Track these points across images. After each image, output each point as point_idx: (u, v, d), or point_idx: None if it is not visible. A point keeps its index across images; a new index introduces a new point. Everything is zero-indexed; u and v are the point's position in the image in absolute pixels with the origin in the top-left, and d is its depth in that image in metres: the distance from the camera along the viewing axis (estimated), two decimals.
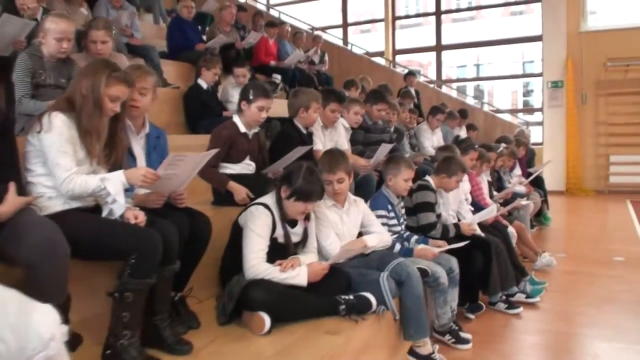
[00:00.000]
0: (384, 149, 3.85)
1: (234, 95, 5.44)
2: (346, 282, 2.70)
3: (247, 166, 3.33)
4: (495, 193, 5.26)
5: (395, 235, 3.37)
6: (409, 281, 2.82)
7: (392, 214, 3.38)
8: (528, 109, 19.01)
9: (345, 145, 4.27)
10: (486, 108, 11.20)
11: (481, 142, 7.05)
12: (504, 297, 3.87)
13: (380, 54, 12.76)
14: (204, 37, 6.93)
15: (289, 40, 8.86)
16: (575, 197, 10.15)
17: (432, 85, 11.34)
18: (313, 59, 9.15)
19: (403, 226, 3.44)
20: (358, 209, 3.10)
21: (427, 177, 3.83)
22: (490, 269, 3.76)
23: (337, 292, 2.61)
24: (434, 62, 12.67)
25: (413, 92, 8.92)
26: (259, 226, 2.54)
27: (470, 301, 3.65)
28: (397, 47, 12.97)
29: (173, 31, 6.65)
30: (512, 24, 15.99)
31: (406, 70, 9.75)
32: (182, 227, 2.19)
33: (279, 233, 2.61)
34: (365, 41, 14.69)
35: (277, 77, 7.77)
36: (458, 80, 17.33)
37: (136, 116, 2.49)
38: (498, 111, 11.63)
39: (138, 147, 2.52)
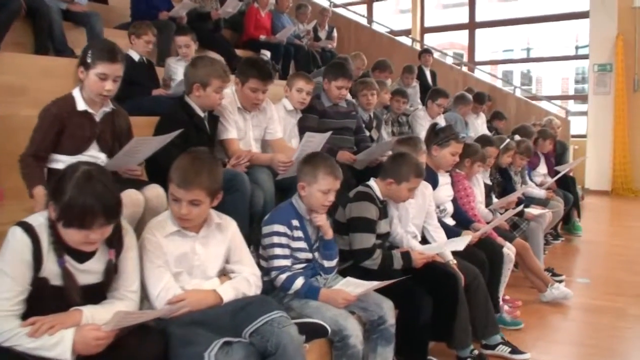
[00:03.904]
0: (311, 140, 2.79)
1: (178, 71, 4.50)
2: (157, 353, 1.68)
3: (92, 159, 2.33)
4: (495, 199, 4.08)
5: (303, 265, 2.34)
6: (282, 353, 1.78)
7: (298, 233, 2.33)
8: (570, 96, 17.14)
9: (278, 133, 3.23)
10: (519, 94, 9.72)
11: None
12: (476, 352, 2.76)
13: (407, 32, 11.49)
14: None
15: (291, 14, 7.87)
16: (621, 198, 8.70)
17: (460, 68, 10.00)
18: (319, 34, 8.15)
19: (317, 253, 2.39)
20: (224, 235, 2.08)
21: (371, 182, 2.73)
22: (455, 313, 2.67)
23: None
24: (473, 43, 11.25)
25: (428, 72, 7.79)
26: (8, 261, 1.57)
27: None
28: (427, 25, 11.65)
29: None
30: (562, 3, 14.28)
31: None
32: None
33: (51, 271, 1.63)
34: (405, 21, 13.36)
35: (266, 54, 6.83)
36: (492, 62, 15.64)
37: None
38: (535, 98, 10.15)
39: None
